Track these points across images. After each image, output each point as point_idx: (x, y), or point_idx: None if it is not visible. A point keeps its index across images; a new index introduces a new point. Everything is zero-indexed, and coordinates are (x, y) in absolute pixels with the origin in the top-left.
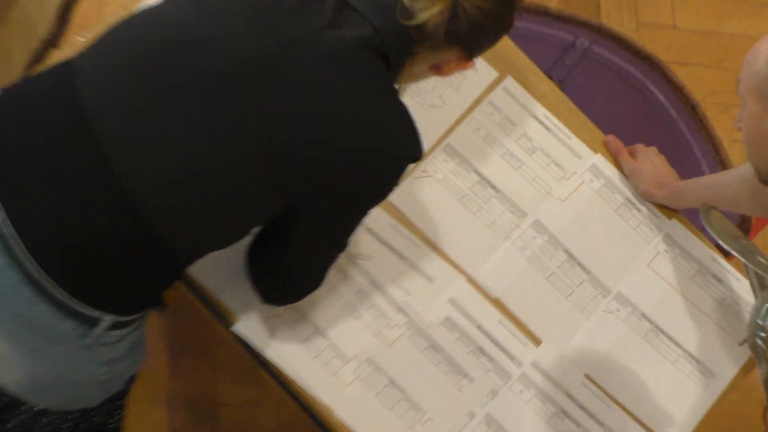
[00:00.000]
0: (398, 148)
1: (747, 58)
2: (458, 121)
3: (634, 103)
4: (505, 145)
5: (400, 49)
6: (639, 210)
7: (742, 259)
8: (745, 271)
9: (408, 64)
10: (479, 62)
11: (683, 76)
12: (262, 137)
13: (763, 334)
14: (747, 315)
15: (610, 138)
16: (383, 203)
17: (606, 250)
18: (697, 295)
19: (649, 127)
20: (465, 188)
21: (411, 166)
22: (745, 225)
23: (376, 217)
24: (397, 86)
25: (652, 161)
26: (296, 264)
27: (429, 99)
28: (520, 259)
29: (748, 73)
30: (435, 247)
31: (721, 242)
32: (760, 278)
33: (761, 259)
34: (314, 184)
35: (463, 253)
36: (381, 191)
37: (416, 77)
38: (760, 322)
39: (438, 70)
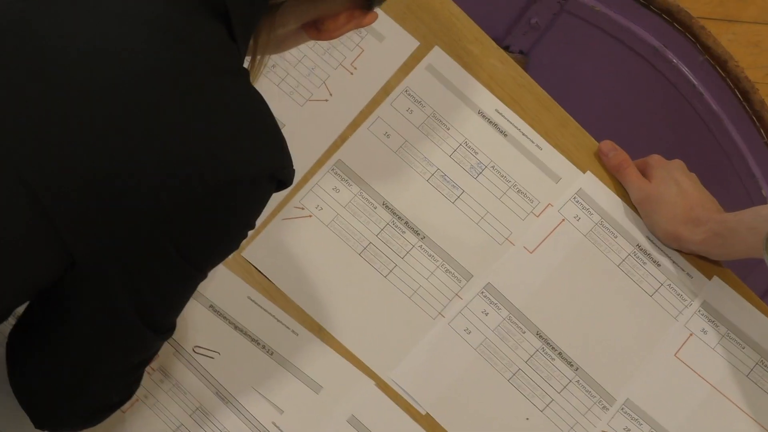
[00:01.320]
0: (249, 164)
1: None
2: (355, 124)
3: (645, 88)
4: (432, 161)
5: (248, 1)
6: (658, 264)
7: None
8: None
9: (266, 24)
10: (389, 26)
11: (729, 40)
12: (12, 152)
13: None
14: None
15: (607, 146)
16: (232, 261)
17: (605, 333)
18: (760, 403)
19: (672, 127)
20: (369, 234)
21: (275, 196)
22: None
23: (222, 284)
24: (247, 65)
25: (677, 183)
26: (87, 360)
27: (305, 88)
28: (464, 348)
29: None
30: (323, 333)
31: None
32: None
33: None
34: (107, 228)
35: (370, 341)
36: (222, 239)
37: (282, 44)
38: None
39: (317, 30)
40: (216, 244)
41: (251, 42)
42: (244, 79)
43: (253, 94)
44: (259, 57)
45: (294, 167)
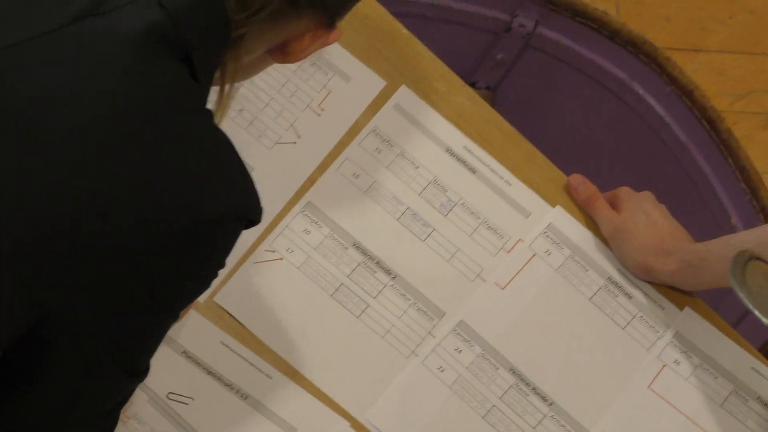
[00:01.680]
0: (214, 204)
1: None
2: (324, 166)
3: (612, 120)
4: (402, 199)
5: (210, 39)
6: (630, 296)
7: None
8: None
9: (231, 55)
10: (355, 66)
11: (694, 70)
12: None
13: None
14: None
15: (576, 179)
16: (204, 306)
17: (579, 367)
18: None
19: (641, 158)
20: (341, 275)
21: (246, 240)
22: None
23: (194, 329)
24: (212, 106)
25: (647, 214)
26: (62, 407)
27: (273, 131)
28: (438, 386)
29: None
30: (297, 376)
31: (765, 318)
32: None
33: None
34: (73, 273)
35: (344, 382)
36: (191, 280)
37: (248, 72)
38: None
39: (283, 53)
40: (185, 284)
41: (217, 73)
42: (207, 119)
43: (218, 133)
44: (227, 87)
45: (263, 206)
